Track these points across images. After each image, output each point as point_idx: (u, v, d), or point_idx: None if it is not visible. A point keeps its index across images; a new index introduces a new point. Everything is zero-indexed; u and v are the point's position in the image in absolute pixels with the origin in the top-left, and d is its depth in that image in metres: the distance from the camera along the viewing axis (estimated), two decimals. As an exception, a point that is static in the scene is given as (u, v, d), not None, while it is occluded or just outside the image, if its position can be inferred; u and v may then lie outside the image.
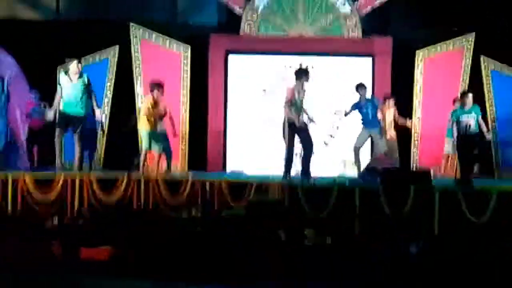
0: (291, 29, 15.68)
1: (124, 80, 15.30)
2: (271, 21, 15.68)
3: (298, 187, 10.62)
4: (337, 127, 15.37)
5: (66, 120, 12.17)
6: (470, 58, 15.58)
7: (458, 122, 12.88)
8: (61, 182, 11.34)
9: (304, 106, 12.47)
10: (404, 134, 14.79)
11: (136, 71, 15.39)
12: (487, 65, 15.59)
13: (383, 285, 9.76)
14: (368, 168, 12.64)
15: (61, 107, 12.17)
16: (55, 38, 15.35)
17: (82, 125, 12.28)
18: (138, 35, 15.50)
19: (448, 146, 14.40)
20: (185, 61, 15.51)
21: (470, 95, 12.88)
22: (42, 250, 10.67)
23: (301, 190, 10.55)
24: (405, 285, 9.61)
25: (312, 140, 12.41)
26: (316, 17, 15.68)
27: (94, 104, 12.36)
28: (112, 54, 15.44)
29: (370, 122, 13.30)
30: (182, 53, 15.50)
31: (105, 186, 11.52)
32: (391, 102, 14.26)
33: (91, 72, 13.13)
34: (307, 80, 12.45)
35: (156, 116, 12.96)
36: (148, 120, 12.84)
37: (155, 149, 13.03)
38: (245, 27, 15.67)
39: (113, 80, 15.30)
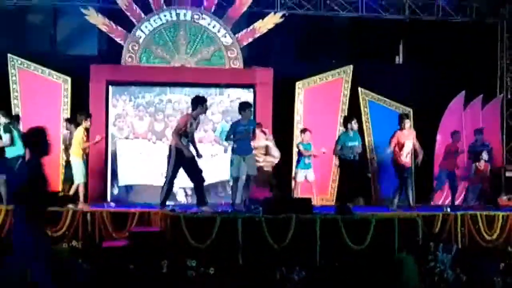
0: (173, 60, 15.67)
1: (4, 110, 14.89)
2: (153, 52, 15.63)
3: (181, 217, 10.54)
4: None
5: None
6: (349, 89, 15.97)
7: (344, 147, 13.23)
8: None
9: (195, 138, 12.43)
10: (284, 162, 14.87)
11: (14, 102, 15.05)
12: (365, 96, 16.01)
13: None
14: (249, 197, 12.60)
15: None
16: None
17: None
18: (16, 65, 15.17)
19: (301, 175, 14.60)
20: (65, 93, 15.26)
21: (355, 120, 13.36)
22: None
23: (184, 220, 10.48)
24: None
25: (200, 168, 12.14)
26: (198, 48, 15.74)
27: None
28: (-12, 85, 15.08)
29: (246, 146, 12.53)
30: (62, 83, 15.25)
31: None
32: (262, 130, 14.26)
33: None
34: (203, 111, 12.24)
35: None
36: (83, 150, 12.93)
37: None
38: (126, 58, 15.56)
39: (-10, 112, 14.91)
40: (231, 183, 13.00)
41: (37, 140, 7.41)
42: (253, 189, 12.75)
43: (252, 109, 13.29)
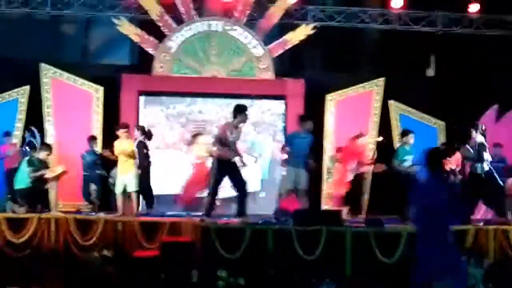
0: (204, 70, 15.72)
1: (36, 120, 15.01)
2: (184, 62, 15.69)
3: (211, 227, 10.56)
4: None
5: None
6: (380, 102, 15.91)
7: (402, 162, 12.93)
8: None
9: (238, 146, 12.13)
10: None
11: (46, 111, 15.16)
12: (396, 109, 15.94)
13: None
14: (279, 209, 12.54)
15: None
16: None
17: None
18: (48, 74, 15.29)
19: None
20: (97, 102, 15.35)
21: (412, 134, 13.15)
22: None
23: (214, 230, 10.50)
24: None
25: (245, 180, 11.97)
26: (229, 59, 15.79)
27: None
28: (22, 94, 15.16)
29: (300, 159, 12.31)
30: (93, 93, 15.34)
31: (14, 226, 11.28)
32: None
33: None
34: (243, 120, 12.00)
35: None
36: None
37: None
38: (157, 68, 15.63)
39: (23, 121, 15.02)
40: (276, 195, 13.02)
41: (439, 160, 7.91)
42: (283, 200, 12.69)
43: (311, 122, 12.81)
